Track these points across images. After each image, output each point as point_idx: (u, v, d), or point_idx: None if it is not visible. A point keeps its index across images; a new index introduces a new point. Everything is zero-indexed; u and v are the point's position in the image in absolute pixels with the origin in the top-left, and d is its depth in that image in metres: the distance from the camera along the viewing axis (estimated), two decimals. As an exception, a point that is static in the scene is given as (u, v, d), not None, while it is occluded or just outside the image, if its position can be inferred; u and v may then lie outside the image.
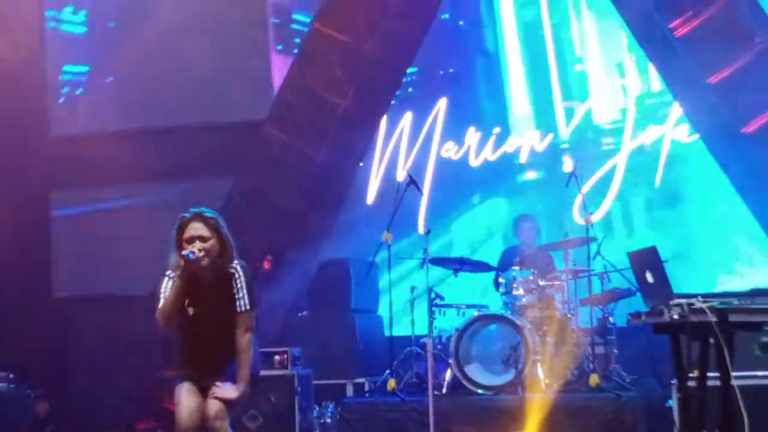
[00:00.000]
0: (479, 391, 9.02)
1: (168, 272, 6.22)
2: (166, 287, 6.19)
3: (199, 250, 6.13)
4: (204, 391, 6.32)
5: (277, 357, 9.34)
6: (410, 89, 12.25)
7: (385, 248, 9.43)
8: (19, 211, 11.53)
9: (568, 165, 10.02)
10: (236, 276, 6.26)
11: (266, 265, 11.17)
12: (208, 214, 6.25)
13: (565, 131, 11.56)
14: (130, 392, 11.29)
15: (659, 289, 5.85)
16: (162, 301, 6.18)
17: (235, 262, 6.30)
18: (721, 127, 10.31)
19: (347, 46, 11.09)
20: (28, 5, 12.14)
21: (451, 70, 12.26)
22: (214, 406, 6.22)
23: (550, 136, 11.46)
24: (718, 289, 8.89)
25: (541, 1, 11.93)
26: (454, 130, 11.76)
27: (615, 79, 11.63)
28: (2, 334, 10.74)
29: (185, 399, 6.29)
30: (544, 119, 11.73)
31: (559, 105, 11.71)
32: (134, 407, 11.06)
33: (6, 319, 11.03)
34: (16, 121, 11.69)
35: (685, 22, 10.08)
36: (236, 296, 6.24)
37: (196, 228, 6.20)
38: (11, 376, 9.60)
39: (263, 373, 8.86)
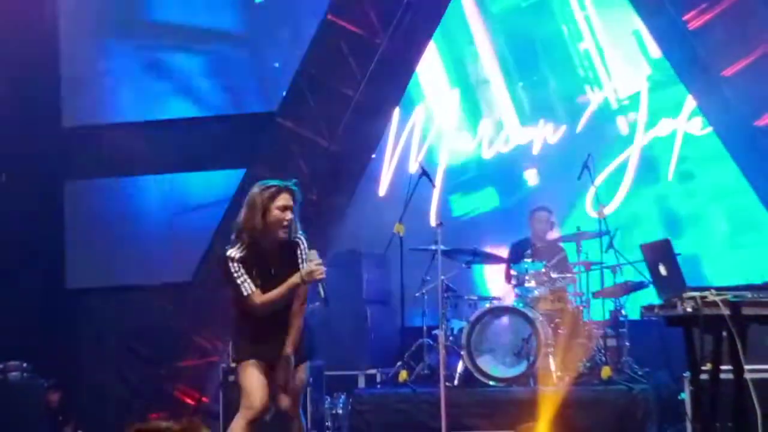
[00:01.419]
0: (491, 383, 9.02)
1: (232, 254, 6.23)
2: (240, 271, 6.22)
3: (287, 221, 6.23)
4: (272, 366, 6.38)
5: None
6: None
7: (397, 240, 9.47)
8: (32, 201, 11.55)
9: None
10: (300, 246, 6.35)
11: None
12: (296, 188, 6.34)
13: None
14: (142, 383, 11.32)
15: (672, 282, 5.84)
16: (246, 288, 6.21)
17: (300, 232, 6.40)
18: (734, 120, 10.29)
19: (359, 38, 11.09)
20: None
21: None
22: (284, 400, 6.39)
23: (564, 127, 11.44)
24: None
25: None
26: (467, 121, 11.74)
27: (634, 47, 11.44)
28: (15, 325, 10.77)
29: (257, 381, 6.33)
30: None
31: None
32: (146, 398, 11.08)
33: (19, 309, 11.06)
34: (30, 111, 11.71)
35: (698, 15, 10.06)
36: (300, 265, 6.30)
37: (287, 198, 6.28)
38: (25, 365, 9.64)
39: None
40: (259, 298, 6.26)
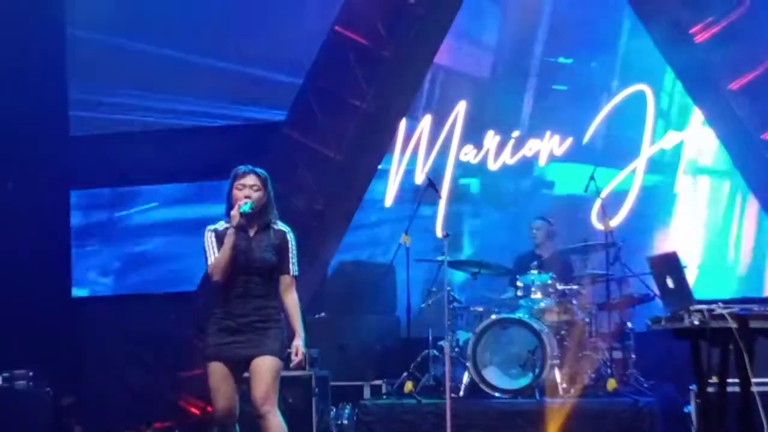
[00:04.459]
0: (496, 394, 9.02)
1: (211, 227, 6.54)
2: (212, 242, 6.47)
3: (246, 197, 6.41)
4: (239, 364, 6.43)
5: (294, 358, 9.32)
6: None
7: (403, 250, 9.50)
8: (38, 210, 11.56)
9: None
10: (288, 239, 6.57)
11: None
12: (260, 171, 6.56)
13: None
14: (146, 392, 11.33)
15: (679, 295, 5.85)
16: (212, 257, 6.42)
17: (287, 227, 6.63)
18: (740, 133, 10.30)
19: (366, 49, 11.11)
20: (51, 7, 12.19)
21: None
22: (262, 389, 6.36)
23: (570, 140, 11.44)
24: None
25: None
26: (474, 133, 11.74)
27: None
28: (20, 333, 10.78)
29: (217, 383, 6.41)
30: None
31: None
32: (149, 406, 11.08)
33: (24, 317, 11.07)
34: (36, 120, 11.72)
35: (706, 28, 10.08)
36: (291, 260, 6.56)
37: (247, 178, 6.49)
38: (31, 374, 9.64)
39: (282, 373, 8.98)
40: (212, 266, 6.40)
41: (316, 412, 9.24)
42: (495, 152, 11.64)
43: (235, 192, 6.46)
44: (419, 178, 11.55)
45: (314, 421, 9.21)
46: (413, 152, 11.77)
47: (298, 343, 6.61)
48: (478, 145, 11.71)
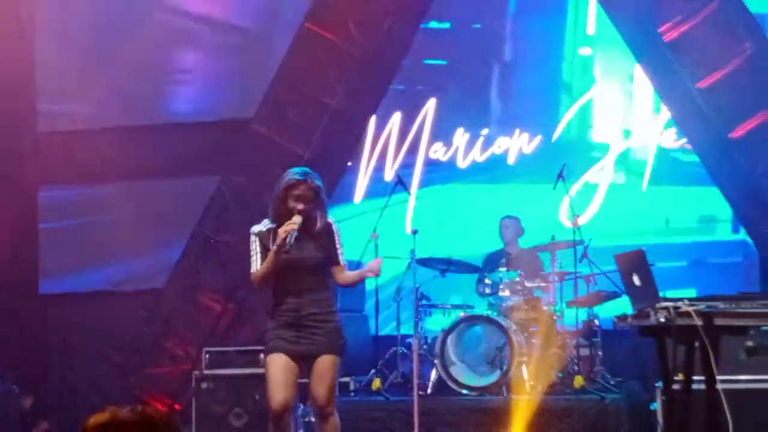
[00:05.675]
0: (464, 391, 9.04)
1: (255, 229, 6.55)
2: (256, 248, 6.50)
3: (299, 211, 6.34)
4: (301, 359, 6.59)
5: (262, 355, 9.29)
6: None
7: (372, 247, 9.49)
8: (5, 207, 11.47)
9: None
10: (334, 230, 6.60)
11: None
12: (316, 182, 6.50)
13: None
14: (114, 389, 11.26)
15: (646, 292, 5.86)
16: (254, 265, 6.47)
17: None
18: (708, 132, 10.34)
19: (336, 46, 11.07)
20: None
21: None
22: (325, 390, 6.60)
23: (539, 137, 11.46)
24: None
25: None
26: (443, 130, 11.73)
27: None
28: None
29: (275, 377, 6.50)
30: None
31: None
32: (116, 403, 11.01)
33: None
34: (3, 115, 11.63)
35: (674, 27, 10.10)
36: (338, 250, 6.63)
37: (303, 188, 6.43)
38: (-4, 372, 9.59)
39: (250, 371, 8.98)
40: (254, 275, 6.50)
41: (283, 409, 9.21)
42: (464, 150, 11.65)
43: (290, 203, 6.41)
44: (389, 175, 11.54)
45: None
46: (383, 149, 11.76)
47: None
48: (448, 143, 11.70)
